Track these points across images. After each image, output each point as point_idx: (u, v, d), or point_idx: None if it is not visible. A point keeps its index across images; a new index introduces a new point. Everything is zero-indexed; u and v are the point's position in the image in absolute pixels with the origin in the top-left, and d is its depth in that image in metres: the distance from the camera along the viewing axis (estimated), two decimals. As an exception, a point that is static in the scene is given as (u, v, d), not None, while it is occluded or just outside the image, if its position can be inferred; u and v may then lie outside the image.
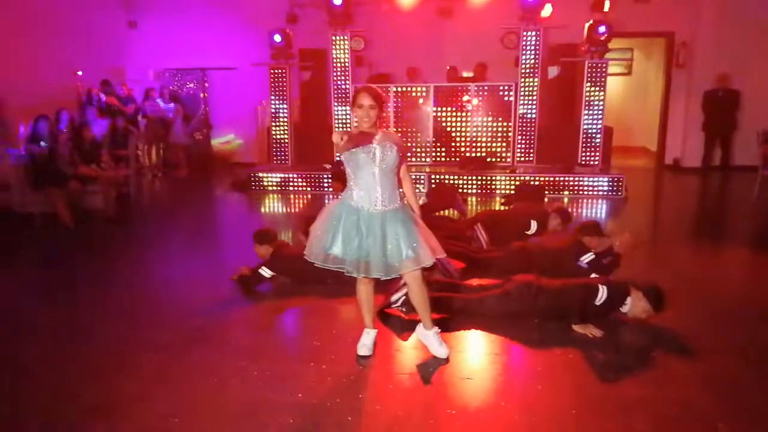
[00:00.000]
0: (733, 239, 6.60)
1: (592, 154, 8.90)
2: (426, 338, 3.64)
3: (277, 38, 9.19)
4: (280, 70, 9.47)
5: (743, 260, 5.79)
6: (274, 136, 9.76)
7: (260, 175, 9.28)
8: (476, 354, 3.69)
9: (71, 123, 8.27)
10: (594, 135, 8.86)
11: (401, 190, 3.50)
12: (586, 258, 4.80)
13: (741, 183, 9.00)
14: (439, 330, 3.65)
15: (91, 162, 7.64)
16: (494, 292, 4.19)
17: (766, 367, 3.45)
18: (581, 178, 8.56)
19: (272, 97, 9.59)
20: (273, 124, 9.71)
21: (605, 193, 8.46)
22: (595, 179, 8.54)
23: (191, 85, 11.92)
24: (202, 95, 11.53)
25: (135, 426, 2.93)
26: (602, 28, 8.39)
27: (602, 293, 3.92)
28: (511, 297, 4.08)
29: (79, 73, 10.00)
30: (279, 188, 9.22)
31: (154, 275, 5.48)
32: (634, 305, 3.93)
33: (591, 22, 8.53)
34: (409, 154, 9.29)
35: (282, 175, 9.23)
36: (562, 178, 8.56)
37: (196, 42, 11.41)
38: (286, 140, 9.70)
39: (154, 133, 10.51)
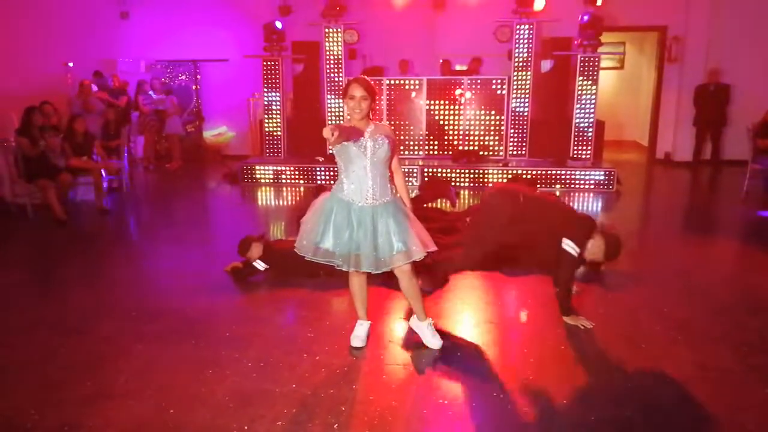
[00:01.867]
0: (724, 232, 6.68)
1: (584, 148, 8.93)
2: (419, 329, 3.67)
3: (279, 24, 9.18)
4: (273, 62, 9.45)
5: (734, 253, 5.85)
6: (266, 129, 9.75)
7: (253, 167, 9.27)
8: (468, 345, 3.72)
9: (59, 114, 8.21)
10: (586, 129, 8.88)
11: (390, 181, 3.48)
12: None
13: (731, 177, 9.07)
14: (433, 321, 3.68)
15: (83, 154, 7.61)
16: (464, 233, 4.25)
17: (757, 357, 3.49)
18: (573, 172, 8.60)
19: (265, 89, 9.56)
20: (266, 116, 9.69)
21: (597, 186, 8.52)
22: (587, 173, 8.58)
23: (183, 77, 11.84)
24: (194, 87, 11.48)
25: (130, 417, 2.94)
26: (585, 17, 8.38)
27: (571, 247, 3.91)
28: (490, 206, 4.22)
29: (70, 64, 9.94)
30: (272, 181, 9.22)
31: (146, 267, 5.48)
32: (592, 245, 3.97)
33: (585, 15, 8.54)
34: (402, 148, 9.31)
35: (275, 168, 9.22)
36: (554, 172, 8.60)
37: (189, 33, 11.33)
38: (279, 132, 9.68)
39: (147, 124, 10.49)
